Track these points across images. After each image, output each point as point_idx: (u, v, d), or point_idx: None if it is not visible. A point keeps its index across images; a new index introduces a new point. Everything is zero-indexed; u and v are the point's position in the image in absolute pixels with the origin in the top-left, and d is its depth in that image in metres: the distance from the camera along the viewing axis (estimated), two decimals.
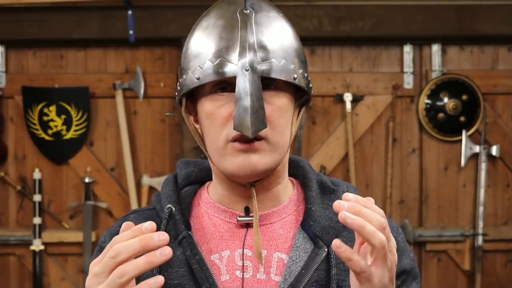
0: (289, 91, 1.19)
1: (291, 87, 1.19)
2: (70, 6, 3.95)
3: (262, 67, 1.14)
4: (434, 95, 4.12)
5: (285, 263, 1.18)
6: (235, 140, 1.16)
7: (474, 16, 4.00)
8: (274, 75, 1.14)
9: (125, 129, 4.07)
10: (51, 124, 4.12)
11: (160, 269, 1.18)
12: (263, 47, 1.15)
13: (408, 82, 4.14)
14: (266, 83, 1.16)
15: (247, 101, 1.12)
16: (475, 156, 4.12)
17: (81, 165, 4.15)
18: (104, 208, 4.15)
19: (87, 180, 4.11)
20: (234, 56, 1.13)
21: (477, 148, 4.09)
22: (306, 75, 1.20)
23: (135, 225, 1.03)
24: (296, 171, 1.29)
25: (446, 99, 4.13)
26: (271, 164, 1.17)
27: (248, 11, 1.16)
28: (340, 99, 4.12)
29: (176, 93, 1.22)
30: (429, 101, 4.13)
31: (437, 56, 4.13)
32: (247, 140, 1.15)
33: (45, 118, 4.11)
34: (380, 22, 4.01)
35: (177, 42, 4.04)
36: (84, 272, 4.10)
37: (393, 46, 4.16)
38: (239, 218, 1.22)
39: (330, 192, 1.27)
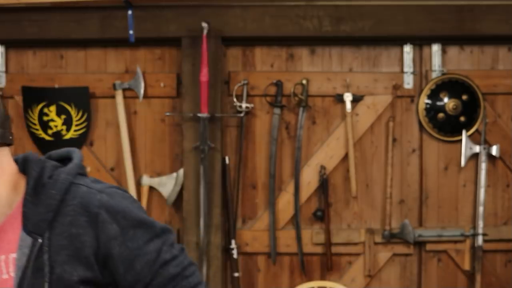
0: None
1: None
2: (70, 6, 3.95)
3: None
4: (434, 95, 4.12)
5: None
6: None
7: (474, 16, 4.00)
8: None
9: (125, 129, 4.07)
10: (51, 124, 4.12)
11: None
12: None
13: (408, 82, 4.14)
14: None
15: None
16: (475, 156, 4.11)
17: None
18: None
19: None
20: None
21: (477, 148, 4.09)
22: None
23: None
24: (27, 167, 1.49)
25: (446, 99, 4.13)
26: None
27: None
28: (340, 99, 4.12)
29: None
30: (429, 101, 4.12)
31: (437, 56, 4.13)
32: None
33: (45, 118, 4.11)
34: (380, 22, 4.01)
35: (177, 42, 4.04)
36: None
37: (393, 46, 4.16)
38: None
39: (41, 186, 1.45)
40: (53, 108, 4.11)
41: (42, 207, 1.43)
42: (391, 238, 4.10)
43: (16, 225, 1.45)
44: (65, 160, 1.52)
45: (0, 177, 1.46)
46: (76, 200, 1.44)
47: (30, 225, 1.43)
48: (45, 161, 1.50)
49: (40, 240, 1.42)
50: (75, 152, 1.53)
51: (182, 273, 1.48)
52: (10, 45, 4.16)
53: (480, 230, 4.08)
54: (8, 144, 1.47)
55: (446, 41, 4.13)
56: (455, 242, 4.14)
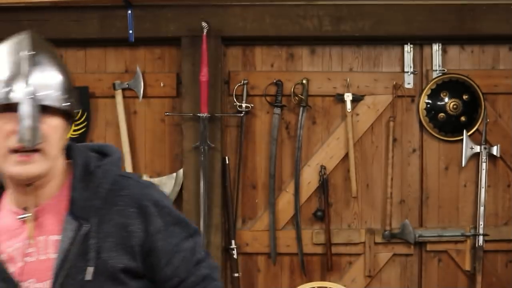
0: (60, 114, 1.53)
1: (61, 111, 1.53)
2: (70, 5, 3.94)
3: (40, 96, 1.48)
4: (434, 94, 4.11)
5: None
6: (16, 150, 1.48)
7: (475, 16, 3.99)
8: (49, 103, 1.50)
9: (125, 129, 4.07)
10: None
11: None
12: (41, 82, 1.49)
13: (409, 81, 4.13)
14: (43, 108, 1.49)
15: (28, 122, 1.46)
16: (475, 156, 4.10)
17: None
18: None
19: None
20: (20, 87, 1.47)
21: (477, 148, 4.08)
22: (72, 101, 1.55)
23: None
24: (70, 155, 1.60)
25: (446, 99, 4.12)
26: (44, 170, 1.50)
27: (32, 52, 1.51)
28: (340, 99, 4.11)
29: None
30: (429, 101, 4.12)
31: (438, 55, 4.12)
32: (26, 151, 1.47)
33: None
34: (381, 22, 4.00)
35: (177, 42, 4.03)
36: None
37: (393, 45, 4.15)
38: (18, 217, 1.54)
39: (89, 174, 1.57)
40: None
41: (90, 194, 1.53)
42: (391, 238, 4.09)
43: (60, 207, 1.55)
44: (98, 153, 1.63)
45: (62, 155, 1.56)
46: (125, 191, 1.55)
47: (77, 210, 1.52)
48: (86, 151, 1.61)
49: (87, 225, 1.51)
50: (111, 146, 1.66)
51: (211, 275, 1.60)
52: None
53: (480, 230, 4.07)
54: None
55: (446, 40, 4.12)
56: (456, 242, 4.13)
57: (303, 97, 4.08)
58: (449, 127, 4.12)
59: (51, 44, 1.60)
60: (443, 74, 4.11)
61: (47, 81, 1.51)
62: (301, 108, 4.09)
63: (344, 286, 3.92)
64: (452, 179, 4.16)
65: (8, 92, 1.48)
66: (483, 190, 4.08)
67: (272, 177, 4.11)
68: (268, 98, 4.13)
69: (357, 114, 4.12)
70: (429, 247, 4.13)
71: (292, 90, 4.07)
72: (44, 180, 1.53)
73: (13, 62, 1.50)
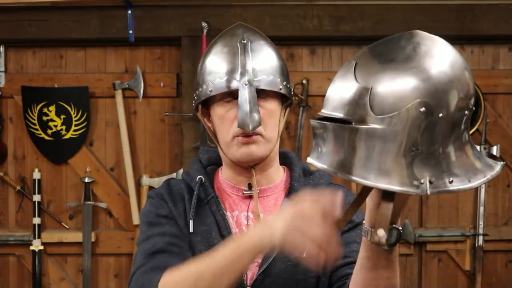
0: (277, 98, 1.65)
1: (277, 95, 1.65)
2: (70, 6, 3.94)
3: (257, 82, 1.59)
4: None
5: None
6: (239, 135, 1.60)
7: (475, 16, 3.99)
8: (265, 87, 1.61)
9: (125, 129, 4.07)
10: (51, 124, 4.11)
11: (194, 218, 1.63)
12: (257, 68, 1.60)
13: None
14: (260, 93, 1.61)
15: (246, 107, 1.57)
16: None
17: (81, 165, 4.14)
18: (104, 208, 4.14)
19: (86, 180, 4.10)
20: (237, 75, 1.59)
21: (477, 148, 4.07)
22: (288, 85, 1.66)
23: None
24: (286, 160, 1.76)
25: None
26: (265, 152, 1.63)
27: (245, 41, 1.63)
28: None
29: (194, 102, 1.71)
30: None
31: None
32: (248, 135, 1.60)
33: (45, 118, 4.10)
34: (381, 22, 4.00)
35: (177, 42, 4.03)
36: (83, 272, 4.09)
37: None
38: (244, 192, 1.68)
39: (309, 174, 1.74)
40: (52, 108, 4.10)
41: (311, 187, 1.67)
42: None
43: (278, 193, 1.69)
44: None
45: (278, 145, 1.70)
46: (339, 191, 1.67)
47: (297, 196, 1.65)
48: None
49: None
50: (294, 157, 1.78)
51: None
52: (9, 44, 4.16)
53: (480, 230, 4.07)
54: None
55: (446, 41, 4.11)
56: (456, 242, 4.13)
57: (303, 97, 4.08)
58: None
59: (262, 34, 1.70)
60: None
61: (263, 67, 1.61)
62: (301, 108, 4.09)
63: None
64: None
65: (227, 81, 1.59)
66: (483, 190, 4.08)
67: None
68: None
69: None
70: (429, 247, 4.14)
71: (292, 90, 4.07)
72: (265, 164, 1.66)
73: (229, 52, 1.61)
